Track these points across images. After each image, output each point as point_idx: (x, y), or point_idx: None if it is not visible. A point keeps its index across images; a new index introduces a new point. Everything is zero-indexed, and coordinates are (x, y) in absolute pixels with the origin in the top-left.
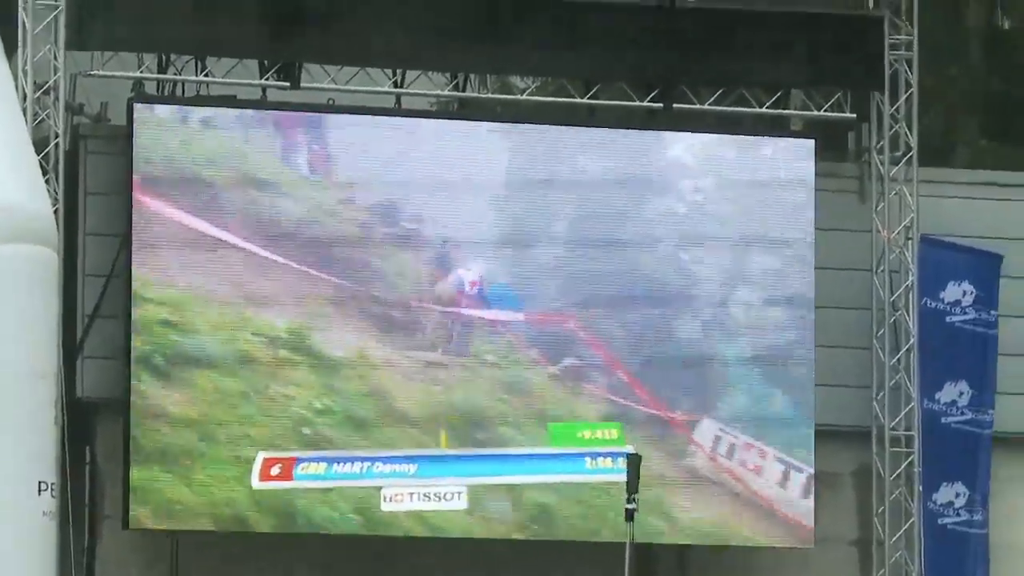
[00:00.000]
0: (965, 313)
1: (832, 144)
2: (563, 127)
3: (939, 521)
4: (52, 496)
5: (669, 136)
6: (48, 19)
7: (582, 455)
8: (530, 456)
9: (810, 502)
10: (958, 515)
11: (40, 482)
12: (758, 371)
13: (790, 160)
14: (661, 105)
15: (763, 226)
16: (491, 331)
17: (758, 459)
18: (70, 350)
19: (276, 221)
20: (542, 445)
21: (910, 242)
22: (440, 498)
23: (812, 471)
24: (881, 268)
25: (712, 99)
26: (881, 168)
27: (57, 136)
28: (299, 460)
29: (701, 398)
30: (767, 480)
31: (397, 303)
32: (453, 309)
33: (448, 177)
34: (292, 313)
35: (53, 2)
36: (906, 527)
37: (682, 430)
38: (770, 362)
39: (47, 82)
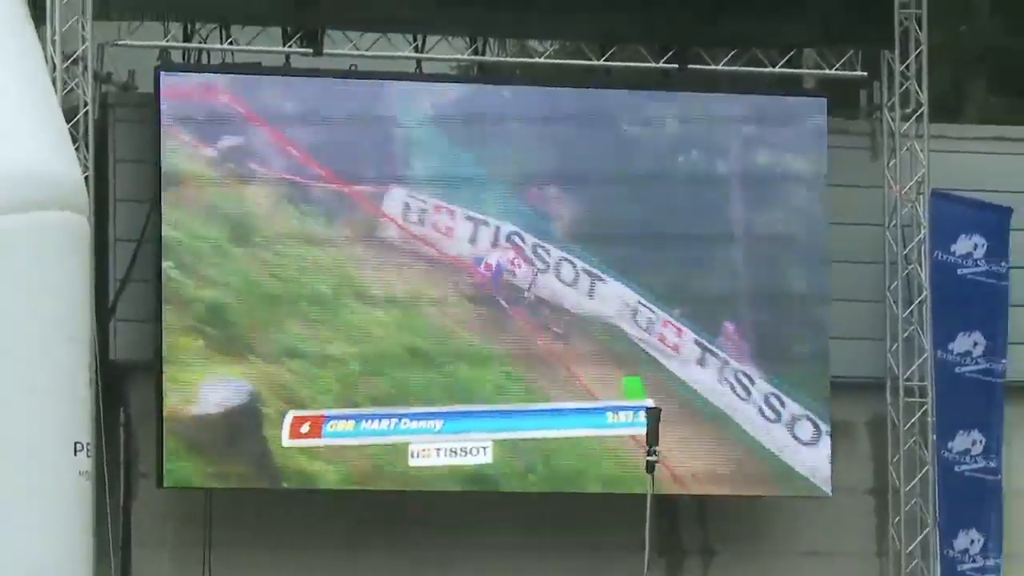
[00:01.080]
0: (976, 265)
1: (844, 102)
2: None
3: (955, 469)
4: (88, 456)
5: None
6: None
7: (604, 409)
8: (552, 411)
9: (826, 451)
10: (975, 462)
11: (76, 442)
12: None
13: (803, 118)
14: (677, 66)
15: (776, 183)
16: None
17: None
18: (103, 314)
19: None
20: None
21: (921, 197)
22: (466, 453)
23: (828, 421)
24: (893, 223)
25: (726, 60)
26: (892, 124)
27: (86, 105)
28: (328, 418)
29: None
30: (780, 427)
31: None
32: None
33: None
34: None
35: None
36: (921, 475)
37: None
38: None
39: (75, 52)
